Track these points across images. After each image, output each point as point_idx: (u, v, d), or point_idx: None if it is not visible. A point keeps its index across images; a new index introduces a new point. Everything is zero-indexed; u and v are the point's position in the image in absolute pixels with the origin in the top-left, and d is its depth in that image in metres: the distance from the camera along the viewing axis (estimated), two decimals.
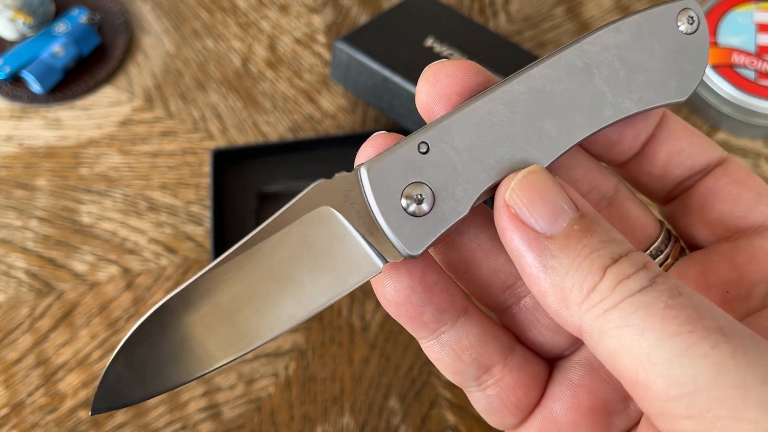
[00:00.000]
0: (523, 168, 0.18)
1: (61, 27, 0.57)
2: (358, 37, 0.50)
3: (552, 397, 0.20)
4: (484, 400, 0.20)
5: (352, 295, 0.47)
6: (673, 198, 0.22)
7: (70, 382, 0.45)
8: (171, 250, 0.49)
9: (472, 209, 0.18)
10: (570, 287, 0.16)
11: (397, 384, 0.45)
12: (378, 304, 0.47)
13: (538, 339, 0.21)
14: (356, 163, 0.20)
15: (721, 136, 0.53)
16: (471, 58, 0.50)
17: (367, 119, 0.55)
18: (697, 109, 0.54)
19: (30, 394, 0.44)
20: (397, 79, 0.48)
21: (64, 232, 0.50)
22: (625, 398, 0.20)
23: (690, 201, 0.21)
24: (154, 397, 0.18)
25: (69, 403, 0.44)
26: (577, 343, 0.21)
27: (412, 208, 0.18)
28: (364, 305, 0.47)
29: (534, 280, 0.17)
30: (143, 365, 0.18)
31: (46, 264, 0.49)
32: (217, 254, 0.47)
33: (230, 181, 0.51)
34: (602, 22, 0.60)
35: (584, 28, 0.60)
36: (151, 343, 0.18)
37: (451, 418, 0.44)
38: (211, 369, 0.18)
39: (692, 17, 0.20)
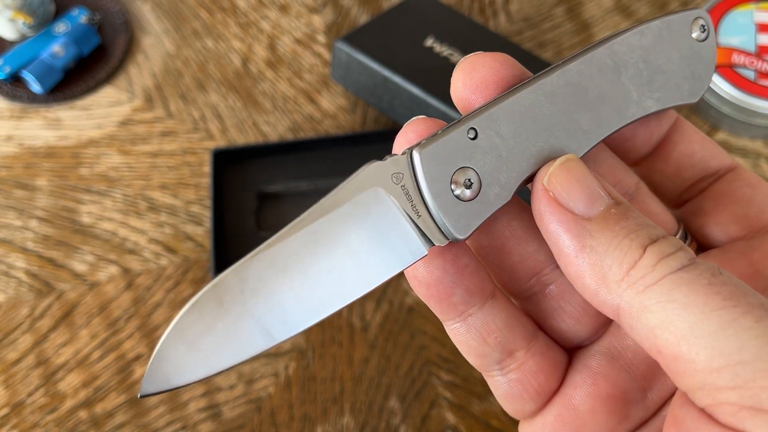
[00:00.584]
0: (559, 157, 0.19)
1: (61, 27, 0.57)
2: (358, 37, 0.50)
3: (571, 384, 0.20)
4: (505, 385, 0.21)
5: None
6: (685, 200, 0.23)
7: (70, 382, 0.45)
8: (171, 250, 0.49)
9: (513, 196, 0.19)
10: (609, 265, 0.16)
11: (397, 384, 0.45)
12: (378, 304, 0.47)
13: (561, 327, 0.21)
14: (395, 147, 0.20)
15: (721, 136, 0.53)
16: None
17: (367, 119, 0.55)
18: (697, 109, 0.54)
19: (30, 394, 0.44)
20: (397, 79, 0.48)
21: (64, 232, 0.50)
22: (644, 388, 0.20)
23: (703, 203, 0.22)
24: (206, 378, 0.18)
25: (69, 403, 0.44)
26: (597, 333, 0.21)
27: (461, 192, 0.18)
28: (364, 305, 0.47)
29: (571, 260, 0.17)
30: (197, 345, 0.18)
31: (46, 264, 0.49)
32: (217, 254, 0.47)
33: (230, 181, 0.51)
34: (602, 22, 0.60)
35: (584, 28, 0.60)
36: (206, 322, 0.18)
37: (451, 418, 0.44)
38: (265, 348, 0.18)
39: (704, 26, 0.21)
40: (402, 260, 0.18)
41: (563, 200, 0.18)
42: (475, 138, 0.18)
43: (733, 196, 0.21)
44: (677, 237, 0.21)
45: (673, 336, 0.15)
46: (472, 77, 0.19)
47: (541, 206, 0.18)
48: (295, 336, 0.18)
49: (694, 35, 0.21)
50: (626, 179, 0.22)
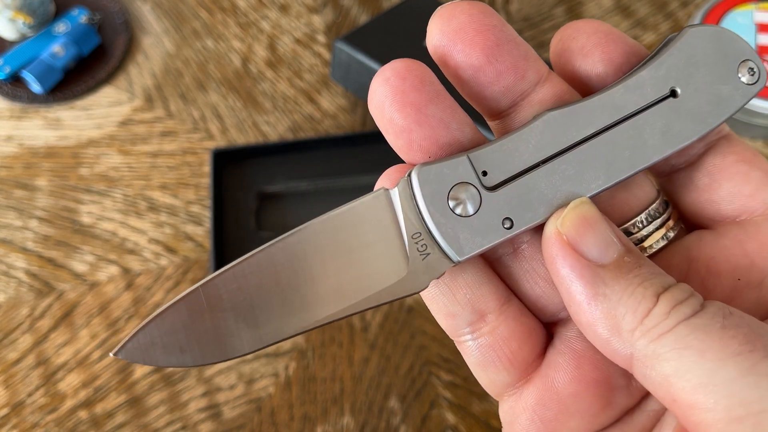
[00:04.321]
0: (571, 201, 0.18)
1: (61, 27, 0.57)
2: (358, 37, 0.50)
3: (554, 366, 0.20)
4: (476, 351, 0.20)
5: None
6: (674, 170, 0.21)
7: (70, 382, 0.45)
8: (171, 250, 0.49)
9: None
10: (623, 314, 0.16)
11: (397, 384, 0.45)
12: None
13: (535, 291, 0.20)
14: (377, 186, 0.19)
15: None
16: None
17: (367, 119, 0.55)
18: None
19: (30, 394, 0.44)
20: None
21: (64, 232, 0.50)
22: (627, 374, 0.19)
23: (696, 176, 0.21)
24: (180, 367, 0.18)
25: (69, 403, 0.44)
26: None
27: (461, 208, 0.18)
28: None
29: (583, 308, 0.17)
30: (181, 338, 0.18)
31: (46, 264, 0.49)
32: (217, 254, 0.47)
33: (230, 181, 0.51)
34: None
35: None
36: (192, 319, 0.18)
37: (451, 418, 0.44)
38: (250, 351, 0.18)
39: (752, 69, 0.20)
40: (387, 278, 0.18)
41: (577, 245, 0.17)
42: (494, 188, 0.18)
43: (728, 172, 0.20)
44: (659, 201, 0.20)
45: (689, 384, 0.15)
46: (450, 23, 0.18)
47: (553, 251, 0.17)
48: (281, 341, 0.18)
49: (742, 78, 0.20)
50: None
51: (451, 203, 0.18)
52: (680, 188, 0.21)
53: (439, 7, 0.19)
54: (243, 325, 0.18)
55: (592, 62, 0.19)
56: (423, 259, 0.18)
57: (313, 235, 0.18)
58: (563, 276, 0.17)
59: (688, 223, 0.21)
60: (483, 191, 0.18)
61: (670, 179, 0.21)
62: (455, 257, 0.18)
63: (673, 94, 0.19)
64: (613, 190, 0.19)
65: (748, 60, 0.20)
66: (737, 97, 0.19)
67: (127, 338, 0.18)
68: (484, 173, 0.18)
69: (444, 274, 0.18)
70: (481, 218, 0.18)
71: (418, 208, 0.18)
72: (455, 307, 0.20)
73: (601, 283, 0.17)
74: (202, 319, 0.18)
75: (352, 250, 0.18)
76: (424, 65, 0.19)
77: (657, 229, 0.20)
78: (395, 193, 0.18)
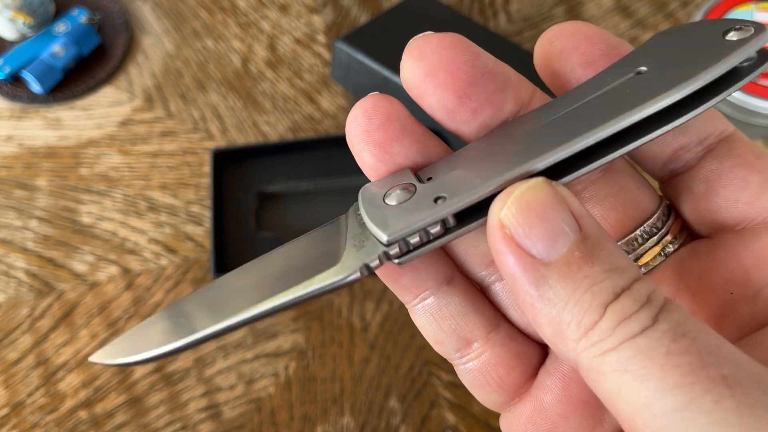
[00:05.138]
0: (524, 179, 0.16)
1: (61, 27, 0.57)
2: (358, 37, 0.50)
3: (542, 388, 0.19)
4: (466, 375, 0.20)
5: (352, 295, 0.47)
6: (673, 174, 0.20)
7: (70, 382, 0.45)
8: (171, 250, 0.49)
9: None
10: (568, 322, 0.15)
11: (397, 384, 0.45)
12: (378, 304, 0.47)
13: (523, 319, 0.20)
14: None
15: None
16: None
17: None
18: None
19: (30, 394, 0.44)
20: (397, 79, 0.48)
21: (64, 232, 0.50)
22: None
23: (693, 183, 0.19)
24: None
25: (69, 403, 0.44)
26: None
27: (393, 197, 0.18)
28: (364, 305, 0.47)
29: (529, 309, 0.16)
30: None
31: (46, 264, 0.49)
32: (217, 254, 0.47)
33: (230, 181, 0.51)
34: (602, 22, 0.60)
35: None
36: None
37: (451, 418, 0.44)
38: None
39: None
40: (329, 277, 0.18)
41: (520, 239, 0.15)
42: (428, 180, 0.18)
43: (726, 177, 0.18)
44: (655, 216, 0.19)
45: (629, 408, 0.14)
46: (420, 65, 0.18)
47: (496, 244, 0.16)
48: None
49: (733, 38, 0.17)
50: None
51: (387, 198, 0.18)
52: (680, 195, 0.20)
53: (410, 42, 0.18)
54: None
55: (570, 66, 0.19)
56: (357, 251, 0.18)
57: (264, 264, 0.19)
58: (508, 272, 0.16)
59: (691, 231, 0.20)
60: (419, 184, 0.18)
61: (670, 185, 0.20)
62: (383, 238, 0.17)
63: (638, 73, 0.17)
64: (614, 201, 0.19)
65: (735, 25, 0.17)
66: (731, 55, 0.16)
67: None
68: (429, 179, 0.18)
69: (379, 261, 0.17)
70: (413, 202, 0.17)
71: (360, 215, 0.18)
72: (442, 336, 0.20)
73: (546, 285, 0.15)
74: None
75: (295, 269, 0.18)
76: (393, 100, 0.19)
77: (653, 246, 0.19)
78: (347, 215, 0.19)
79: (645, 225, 0.19)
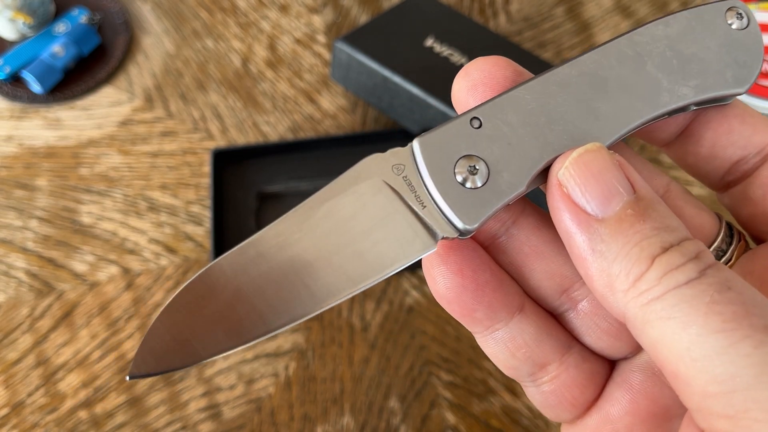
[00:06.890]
0: (582, 146, 0.17)
1: (61, 27, 0.57)
2: (358, 37, 0.50)
3: (610, 400, 0.20)
4: (539, 396, 0.20)
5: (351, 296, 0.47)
6: (731, 184, 0.21)
7: (70, 382, 0.45)
8: (171, 250, 0.49)
9: (530, 187, 0.18)
10: (617, 274, 0.16)
11: (397, 384, 0.45)
12: (378, 304, 0.47)
13: (599, 345, 0.20)
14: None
15: None
16: (471, 58, 0.50)
17: (367, 119, 0.55)
18: None
19: (30, 394, 0.44)
20: (397, 79, 0.48)
21: (64, 232, 0.50)
22: None
23: (750, 190, 0.20)
24: (195, 364, 0.17)
25: (69, 403, 0.44)
26: (640, 347, 0.20)
27: (465, 179, 0.18)
28: (364, 305, 0.47)
29: (581, 262, 0.16)
30: (187, 330, 0.17)
31: (46, 264, 0.49)
32: (217, 254, 0.47)
33: (230, 181, 0.51)
34: (602, 22, 0.60)
35: (584, 28, 0.60)
36: (196, 307, 0.17)
37: (451, 418, 0.44)
38: (263, 336, 0.17)
39: (740, 14, 0.20)
40: (409, 252, 0.18)
41: (576, 197, 0.16)
42: (480, 127, 0.18)
43: None
44: (719, 239, 0.20)
45: (672, 354, 0.14)
46: (466, 81, 0.19)
47: (554, 201, 0.17)
48: (294, 326, 0.18)
49: (731, 24, 0.20)
50: (653, 182, 0.21)
51: (457, 174, 0.18)
52: (737, 202, 0.21)
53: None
54: (250, 308, 0.18)
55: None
56: (421, 209, 0.18)
57: (305, 223, 0.18)
58: (564, 228, 0.17)
59: (751, 237, 0.21)
60: (482, 159, 0.18)
61: (727, 194, 0.21)
62: (466, 227, 0.18)
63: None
64: None
65: (733, 7, 0.20)
66: (733, 44, 0.19)
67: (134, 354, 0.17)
68: (480, 125, 0.18)
69: (457, 236, 0.18)
70: (487, 188, 0.18)
71: (406, 177, 0.18)
72: (515, 363, 0.20)
73: (599, 239, 0.16)
74: (204, 306, 0.18)
75: (355, 235, 0.18)
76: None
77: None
78: (379, 164, 0.19)
79: (711, 249, 0.20)
